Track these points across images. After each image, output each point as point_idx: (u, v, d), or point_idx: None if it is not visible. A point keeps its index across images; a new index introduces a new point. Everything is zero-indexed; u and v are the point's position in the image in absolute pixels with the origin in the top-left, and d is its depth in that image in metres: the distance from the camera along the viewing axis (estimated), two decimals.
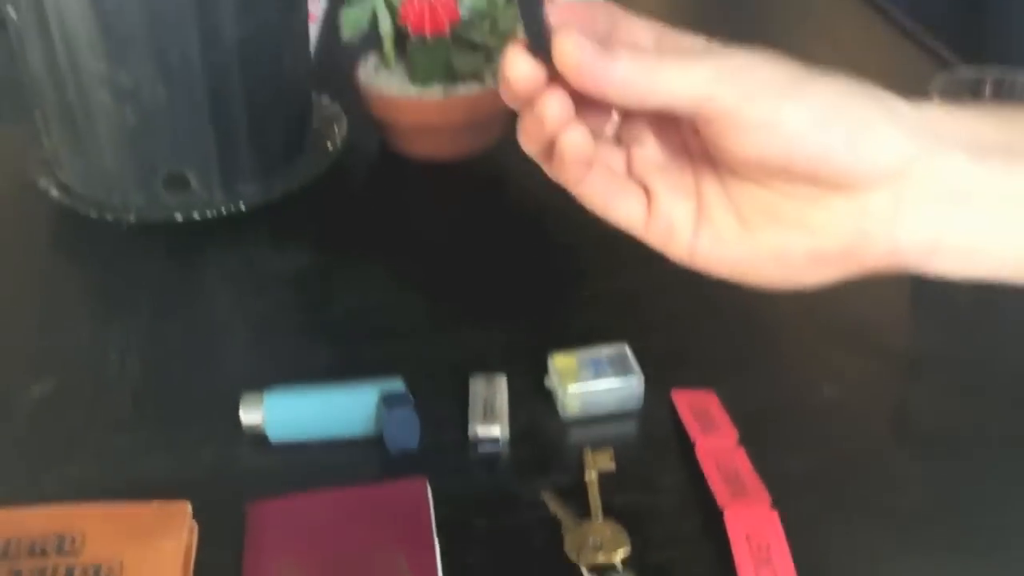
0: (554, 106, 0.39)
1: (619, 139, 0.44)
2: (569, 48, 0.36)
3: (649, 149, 0.43)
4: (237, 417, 0.57)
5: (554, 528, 0.52)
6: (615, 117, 0.43)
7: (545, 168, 0.43)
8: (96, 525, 0.50)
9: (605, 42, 0.38)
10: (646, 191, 0.43)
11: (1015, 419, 0.58)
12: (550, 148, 0.41)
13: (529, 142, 0.41)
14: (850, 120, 0.39)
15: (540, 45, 0.38)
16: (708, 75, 0.38)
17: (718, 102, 0.38)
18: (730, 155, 0.40)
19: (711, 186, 0.42)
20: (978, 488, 0.53)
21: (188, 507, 0.51)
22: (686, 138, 0.43)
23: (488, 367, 0.61)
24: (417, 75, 0.80)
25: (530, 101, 0.39)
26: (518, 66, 0.38)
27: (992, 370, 0.61)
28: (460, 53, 0.79)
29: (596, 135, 0.41)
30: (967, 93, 0.68)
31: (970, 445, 0.56)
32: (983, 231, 0.40)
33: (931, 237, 0.40)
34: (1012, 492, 0.53)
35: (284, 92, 0.78)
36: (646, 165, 0.43)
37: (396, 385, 0.57)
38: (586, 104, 0.40)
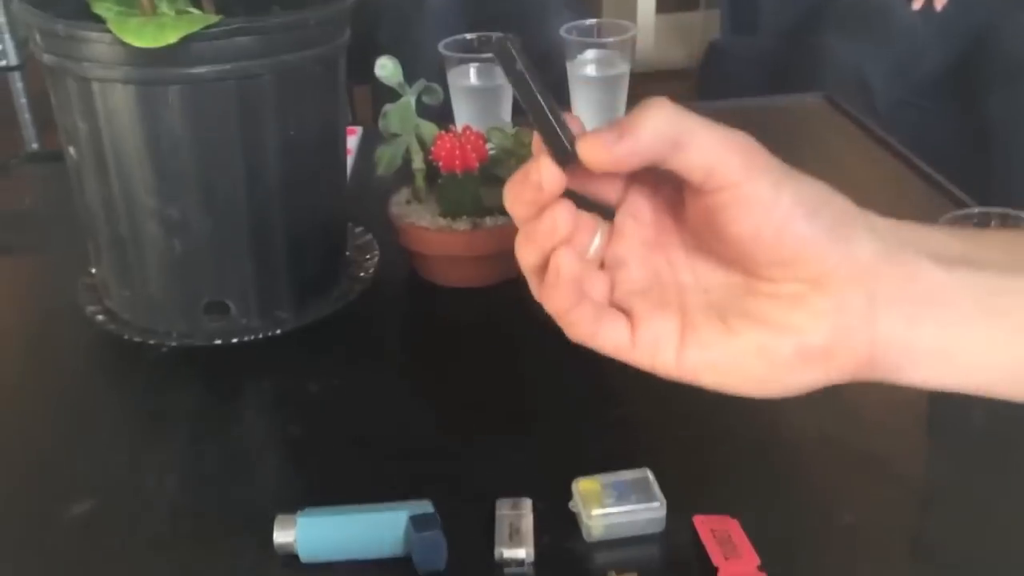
0: (564, 213, 0.42)
1: (602, 265, 0.46)
2: (594, 139, 0.41)
3: (633, 270, 0.45)
4: (271, 537, 0.59)
5: None
6: (597, 240, 0.45)
7: (536, 291, 0.45)
8: None
9: None
10: (629, 316, 0.44)
11: None
12: (543, 267, 0.43)
13: (530, 254, 0.43)
14: (834, 213, 0.41)
15: (562, 150, 0.41)
16: (722, 143, 0.40)
17: (725, 172, 0.40)
18: (728, 229, 0.41)
19: (693, 297, 0.44)
20: None
21: None
22: (671, 234, 0.45)
23: (514, 489, 0.63)
24: (447, 208, 0.85)
25: (541, 210, 0.42)
26: (550, 171, 0.41)
27: (1009, 497, 0.62)
28: (488, 188, 0.84)
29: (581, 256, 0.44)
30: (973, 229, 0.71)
31: (988, 572, 0.57)
32: (953, 336, 0.41)
33: (904, 337, 0.41)
34: None
35: (322, 224, 0.82)
36: (629, 289, 0.45)
37: (424, 507, 0.59)
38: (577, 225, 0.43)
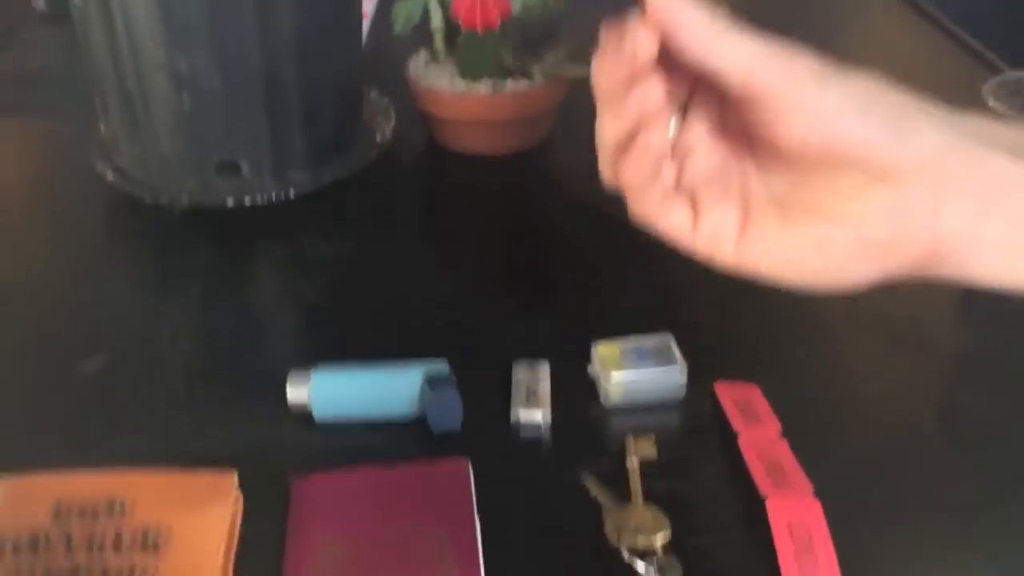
0: (657, 87, 0.41)
1: (672, 152, 0.45)
2: None
3: (700, 159, 0.44)
4: (284, 396, 0.58)
5: (594, 512, 0.52)
6: (673, 125, 0.44)
7: (608, 166, 0.44)
8: (145, 491, 0.51)
9: None
10: (693, 203, 0.44)
11: None
12: (623, 142, 0.42)
13: (613, 128, 0.42)
14: (889, 109, 0.39)
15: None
16: (758, 51, 0.39)
17: (764, 79, 0.39)
18: (774, 138, 0.40)
19: (756, 187, 0.43)
20: None
21: (235, 477, 0.52)
22: (734, 130, 0.44)
23: (531, 354, 0.61)
24: (466, 70, 0.81)
25: (629, 83, 0.41)
26: (645, 37, 0.40)
27: None
28: (509, 50, 0.80)
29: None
30: (1016, 95, 0.68)
31: (1018, 443, 0.56)
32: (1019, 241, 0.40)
33: (971, 231, 0.40)
34: None
35: (336, 83, 0.79)
36: (695, 177, 0.44)
37: (440, 367, 0.58)
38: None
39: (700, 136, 0.44)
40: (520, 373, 0.60)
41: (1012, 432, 0.57)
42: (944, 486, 0.53)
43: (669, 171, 0.43)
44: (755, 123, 0.41)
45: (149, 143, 0.75)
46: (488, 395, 0.59)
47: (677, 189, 0.44)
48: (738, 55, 0.39)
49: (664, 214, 0.43)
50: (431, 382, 0.57)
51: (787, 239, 0.42)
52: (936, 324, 0.65)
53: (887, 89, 0.40)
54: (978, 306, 0.65)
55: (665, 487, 0.53)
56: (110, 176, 0.77)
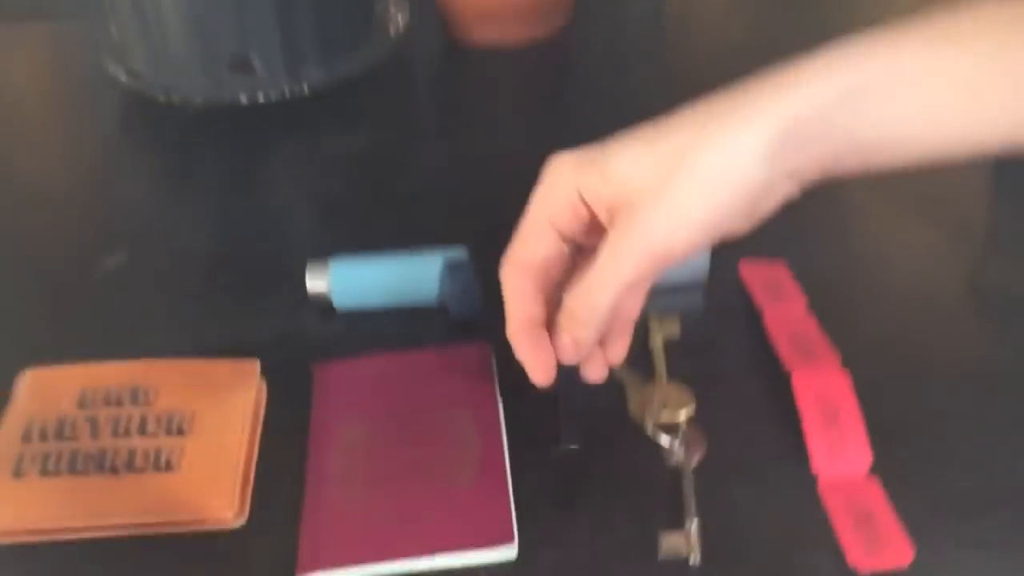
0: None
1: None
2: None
3: None
4: (304, 287, 0.58)
5: (618, 391, 0.52)
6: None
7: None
8: (169, 379, 0.51)
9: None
10: None
11: None
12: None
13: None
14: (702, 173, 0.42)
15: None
16: (611, 253, 0.43)
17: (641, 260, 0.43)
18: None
19: None
20: None
21: (257, 364, 0.52)
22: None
23: None
24: None
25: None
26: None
27: None
28: None
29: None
30: None
31: None
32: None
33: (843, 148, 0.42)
34: None
35: None
36: None
37: (459, 254, 0.57)
38: None
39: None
40: None
41: None
42: (972, 358, 0.52)
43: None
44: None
45: (160, 43, 0.74)
46: None
47: None
48: (614, 282, 0.43)
49: None
50: (450, 268, 0.56)
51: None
52: (967, 200, 0.64)
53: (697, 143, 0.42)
54: (1010, 179, 0.63)
55: (690, 365, 0.53)
56: (123, 77, 0.76)
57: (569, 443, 0.48)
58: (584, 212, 0.45)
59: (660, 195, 0.42)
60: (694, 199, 0.41)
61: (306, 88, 0.74)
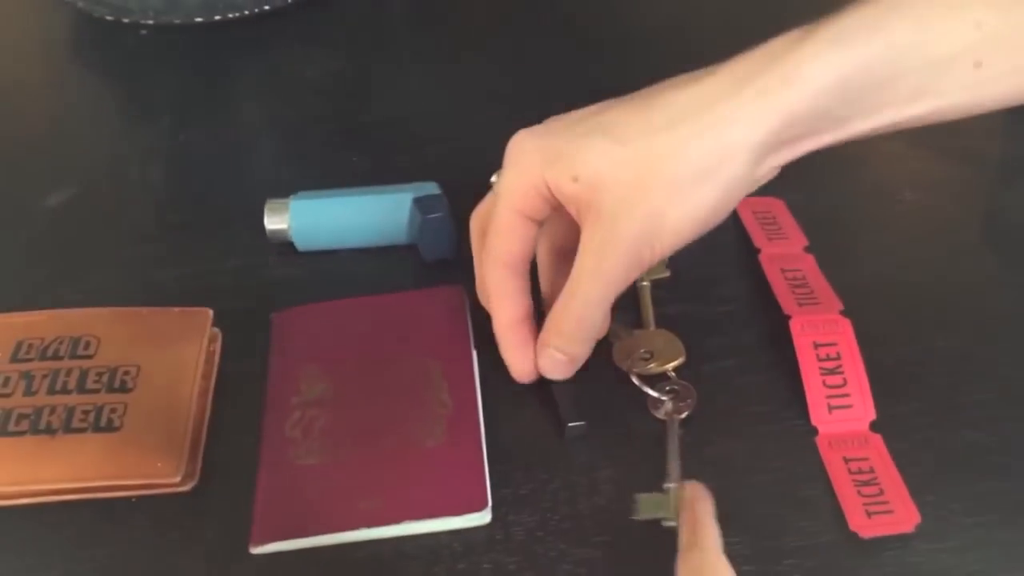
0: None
1: None
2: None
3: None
4: (263, 226, 0.53)
5: (602, 340, 0.48)
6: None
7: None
8: (112, 329, 0.47)
9: None
10: None
11: None
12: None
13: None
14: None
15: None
16: (592, 266, 0.41)
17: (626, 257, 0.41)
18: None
19: None
20: None
21: (209, 313, 0.48)
22: None
23: None
24: None
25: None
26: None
27: None
28: None
29: None
30: None
31: None
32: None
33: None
34: None
35: None
36: None
37: (431, 188, 0.53)
38: None
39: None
40: None
41: None
42: (984, 303, 0.49)
43: None
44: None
45: None
46: None
47: None
48: (595, 288, 0.42)
49: None
50: (421, 205, 0.52)
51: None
52: (978, 130, 0.59)
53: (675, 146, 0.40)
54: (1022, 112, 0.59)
55: (679, 309, 0.49)
56: None
57: (574, 422, 0.44)
58: (554, 199, 0.43)
59: (642, 202, 0.40)
60: (681, 205, 0.40)
61: (267, 6, 0.69)
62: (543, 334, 0.44)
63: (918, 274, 0.50)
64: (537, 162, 0.42)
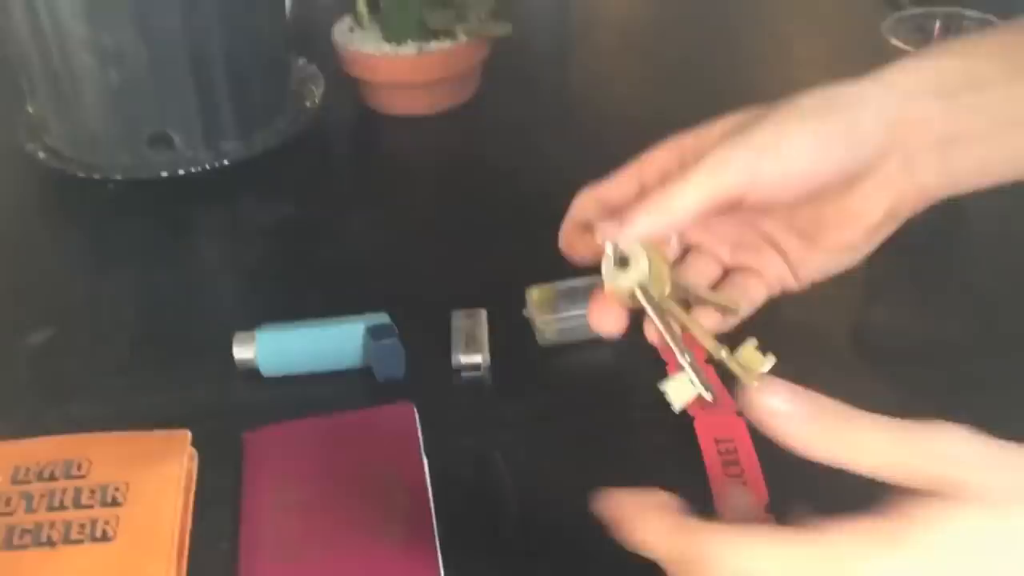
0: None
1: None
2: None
3: (722, 243, 0.47)
4: (230, 356, 0.60)
5: (534, 443, 0.55)
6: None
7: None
8: (102, 451, 0.52)
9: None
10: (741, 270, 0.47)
11: (969, 328, 0.61)
12: None
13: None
14: (819, 126, 0.41)
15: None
16: (712, 168, 0.40)
17: (731, 185, 0.41)
18: (774, 208, 0.43)
19: (782, 244, 0.46)
20: (940, 398, 0.57)
21: (188, 434, 0.54)
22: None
23: (469, 303, 0.64)
24: (391, 33, 0.83)
25: None
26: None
27: (946, 291, 0.65)
28: (432, 10, 0.82)
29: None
30: (916, 31, 0.71)
31: (928, 355, 0.60)
32: (983, 153, 0.44)
33: (944, 174, 0.43)
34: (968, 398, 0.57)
35: (262, 53, 0.80)
36: (732, 252, 0.47)
37: (381, 318, 0.60)
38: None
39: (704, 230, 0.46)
40: (459, 320, 0.62)
41: (921, 345, 0.61)
42: (860, 401, 0.57)
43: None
44: (756, 208, 0.43)
45: (79, 120, 0.76)
46: (429, 342, 0.61)
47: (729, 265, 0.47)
48: (697, 196, 0.40)
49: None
50: (373, 332, 0.59)
51: (824, 257, 0.46)
52: None
53: (809, 111, 0.41)
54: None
55: (601, 417, 0.56)
56: (41, 155, 0.78)
57: (508, 533, 0.50)
58: (675, 169, 0.43)
59: (759, 121, 0.41)
60: (793, 127, 0.40)
61: (226, 161, 0.77)
62: (625, 209, 0.41)
63: (802, 380, 0.58)
64: (679, 135, 0.45)
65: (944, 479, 0.32)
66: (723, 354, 0.39)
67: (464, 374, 0.60)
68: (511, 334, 0.62)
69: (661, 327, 0.42)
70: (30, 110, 0.81)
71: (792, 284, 0.47)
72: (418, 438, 0.55)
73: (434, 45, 0.83)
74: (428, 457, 0.54)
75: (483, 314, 0.63)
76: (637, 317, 0.44)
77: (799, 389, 0.35)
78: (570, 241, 0.45)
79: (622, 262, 0.42)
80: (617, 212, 0.41)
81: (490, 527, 0.51)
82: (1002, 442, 0.32)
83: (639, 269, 0.42)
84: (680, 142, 0.44)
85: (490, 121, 0.86)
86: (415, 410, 0.56)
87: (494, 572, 0.49)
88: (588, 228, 0.43)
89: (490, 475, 0.53)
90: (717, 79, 0.91)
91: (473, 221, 0.74)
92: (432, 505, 0.51)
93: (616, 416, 0.57)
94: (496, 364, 0.60)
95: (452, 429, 0.56)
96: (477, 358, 0.60)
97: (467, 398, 0.59)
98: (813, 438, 0.34)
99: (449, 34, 0.83)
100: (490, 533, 0.51)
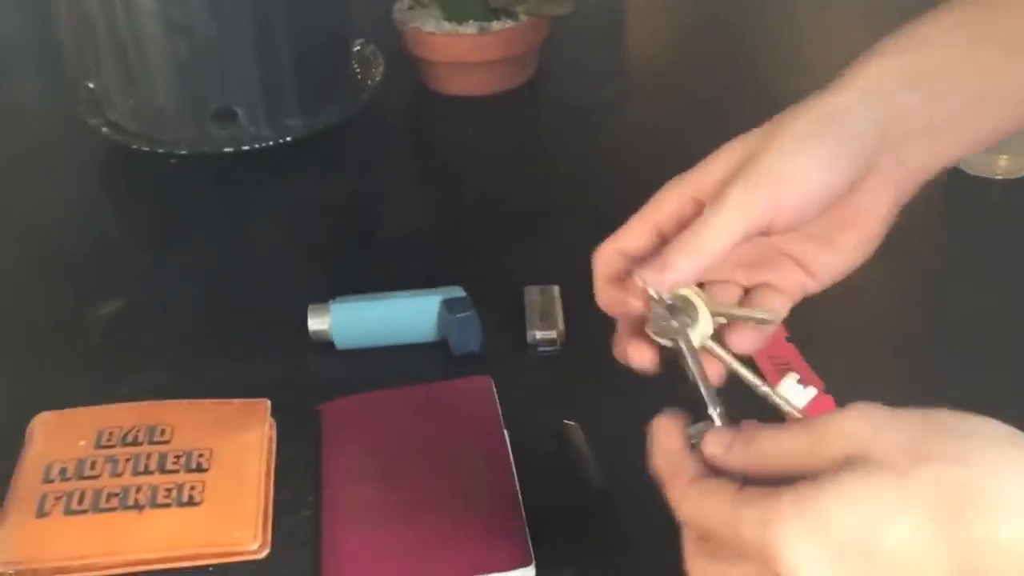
0: None
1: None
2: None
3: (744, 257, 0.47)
4: (303, 329, 0.59)
5: (610, 416, 0.54)
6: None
7: None
8: (183, 418, 0.52)
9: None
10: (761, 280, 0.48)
11: None
12: None
13: None
14: (826, 154, 0.43)
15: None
16: (740, 204, 0.42)
17: (759, 219, 0.42)
18: (795, 227, 0.44)
19: (791, 245, 0.47)
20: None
21: (268, 404, 0.54)
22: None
23: (541, 281, 0.63)
24: (451, 12, 0.82)
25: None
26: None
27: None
28: None
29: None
30: None
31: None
32: (965, 124, 0.45)
33: (935, 153, 0.45)
34: None
35: (326, 30, 0.80)
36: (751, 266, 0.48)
37: (457, 292, 0.60)
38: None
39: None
40: (532, 296, 0.62)
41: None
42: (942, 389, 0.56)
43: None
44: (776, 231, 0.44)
45: (144, 94, 0.76)
46: (504, 317, 0.61)
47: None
48: (729, 230, 0.41)
49: None
50: (449, 305, 0.59)
51: (843, 257, 0.46)
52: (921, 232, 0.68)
53: (816, 130, 0.43)
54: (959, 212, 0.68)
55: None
56: (105, 130, 0.78)
57: (598, 482, 0.50)
58: (690, 210, 0.44)
59: (768, 150, 0.42)
60: (802, 148, 0.42)
61: (288, 137, 0.77)
62: (659, 252, 0.43)
63: (883, 364, 0.58)
64: (683, 176, 0.45)
65: (847, 457, 0.34)
66: (766, 389, 0.42)
67: (540, 349, 0.59)
68: (585, 311, 0.61)
69: (697, 376, 0.42)
70: (91, 85, 0.81)
71: (813, 288, 0.47)
72: (497, 410, 0.55)
73: (495, 25, 0.82)
74: (507, 429, 0.53)
75: (556, 290, 0.62)
76: None
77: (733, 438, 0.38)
78: (609, 300, 0.46)
79: (671, 309, 0.43)
80: (651, 259, 0.42)
81: (573, 500, 0.50)
82: (899, 410, 0.35)
83: (704, 323, 0.43)
84: (686, 183, 0.45)
85: (551, 100, 0.86)
86: (492, 382, 0.56)
87: (579, 544, 0.48)
88: (621, 282, 0.45)
89: (572, 447, 0.53)
90: (776, 59, 0.90)
91: (538, 200, 0.74)
92: (516, 476, 0.51)
93: (691, 389, 0.56)
94: (571, 339, 0.60)
95: (529, 403, 0.56)
96: (552, 333, 0.60)
97: (543, 373, 0.59)
98: (730, 462, 0.37)
99: (510, 14, 0.83)
100: (573, 506, 0.50)
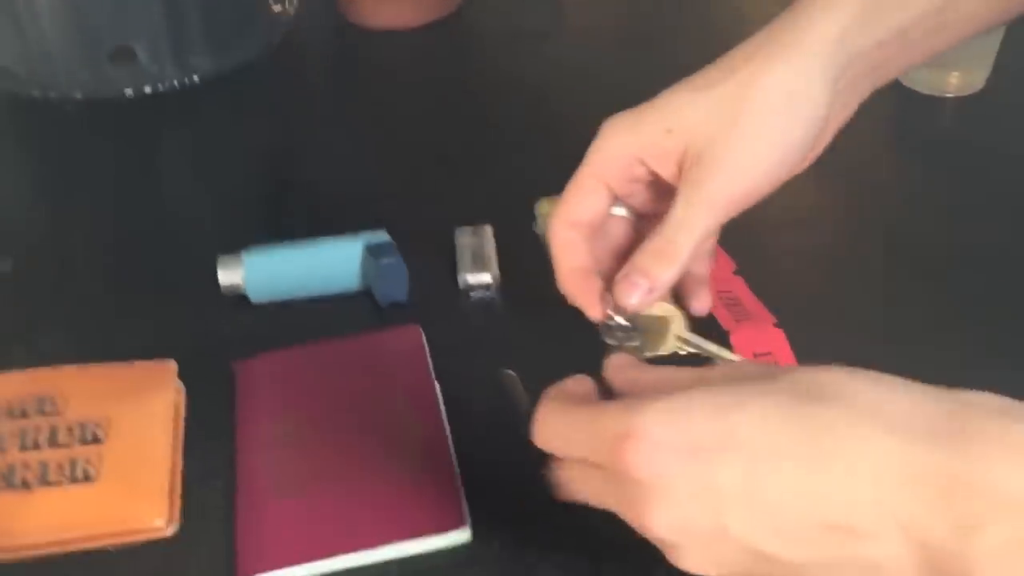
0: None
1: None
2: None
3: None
4: (215, 283, 0.54)
5: (552, 366, 0.50)
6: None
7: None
8: (78, 385, 0.47)
9: None
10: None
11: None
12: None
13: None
14: (788, 129, 0.43)
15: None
16: (707, 204, 0.43)
17: (727, 211, 0.43)
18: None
19: None
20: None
21: (174, 364, 0.49)
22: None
23: (472, 220, 0.59)
24: None
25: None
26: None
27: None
28: None
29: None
30: None
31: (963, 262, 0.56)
32: (915, 56, 0.45)
33: (881, 80, 0.46)
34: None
35: None
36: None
37: (380, 236, 0.55)
38: None
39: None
40: (463, 238, 0.58)
41: (958, 253, 0.57)
42: (893, 316, 0.53)
43: None
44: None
45: (33, 35, 0.69)
46: (432, 262, 0.57)
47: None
48: (698, 228, 0.43)
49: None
50: (373, 251, 0.54)
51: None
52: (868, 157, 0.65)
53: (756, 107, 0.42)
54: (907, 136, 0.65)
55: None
56: None
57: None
58: (640, 171, 0.45)
59: (732, 137, 0.42)
60: (767, 135, 0.42)
61: (195, 77, 0.71)
62: (632, 262, 0.44)
63: (836, 293, 0.55)
64: (627, 130, 0.44)
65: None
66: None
67: (472, 294, 0.55)
68: (520, 251, 0.57)
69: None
70: None
71: None
72: (428, 362, 0.50)
73: None
74: (438, 381, 0.49)
75: (489, 230, 0.58)
76: None
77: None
78: (576, 292, 0.46)
79: (633, 322, 0.46)
80: (630, 272, 0.44)
81: (511, 455, 0.46)
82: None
83: (670, 342, 0.48)
84: (632, 141, 0.44)
85: (476, 32, 0.81)
86: (422, 332, 0.52)
87: (518, 504, 0.44)
88: (587, 275, 0.46)
89: (509, 398, 0.48)
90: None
91: (470, 136, 0.69)
92: (449, 432, 0.47)
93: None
94: (506, 283, 0.56)
95: (462, 353, 0.52)
96: (486, 277, 0.55)
97: (477, 320, 0.55)
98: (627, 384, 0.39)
99: None
100: (511, 461, 0.46)
